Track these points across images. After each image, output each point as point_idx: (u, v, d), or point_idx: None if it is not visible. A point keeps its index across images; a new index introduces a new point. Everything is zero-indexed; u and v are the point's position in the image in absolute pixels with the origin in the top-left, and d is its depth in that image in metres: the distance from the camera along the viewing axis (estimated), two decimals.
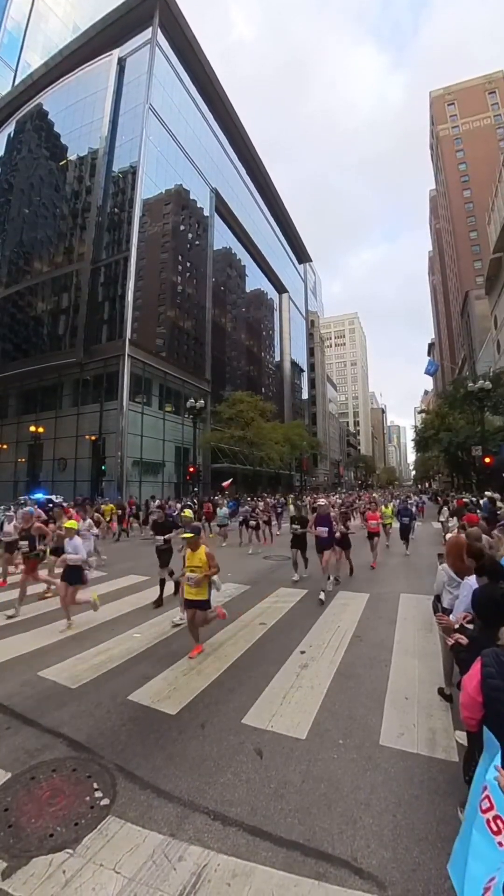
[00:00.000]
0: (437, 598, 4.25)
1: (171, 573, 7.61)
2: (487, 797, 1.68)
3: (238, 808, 2.75)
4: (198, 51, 40.13)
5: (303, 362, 79.23)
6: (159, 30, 35.77)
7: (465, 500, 17.59)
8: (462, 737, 3.38)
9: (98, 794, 2.85)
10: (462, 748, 3.27)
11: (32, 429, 31.90)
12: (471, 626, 2.92)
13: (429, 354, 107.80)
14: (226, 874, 2.27)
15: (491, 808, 1.65)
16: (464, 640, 2.78)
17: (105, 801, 2.79)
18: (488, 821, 1.65)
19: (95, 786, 2.93)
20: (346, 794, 2.87)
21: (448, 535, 6.57)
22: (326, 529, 8.38)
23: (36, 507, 10.64)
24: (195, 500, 23.39)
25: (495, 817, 1.63)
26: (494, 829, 1.62)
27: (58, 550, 7.55)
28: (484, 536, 5.38)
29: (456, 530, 6.83)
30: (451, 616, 3.39)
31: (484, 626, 2.72)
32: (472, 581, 3.31)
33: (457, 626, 3.00)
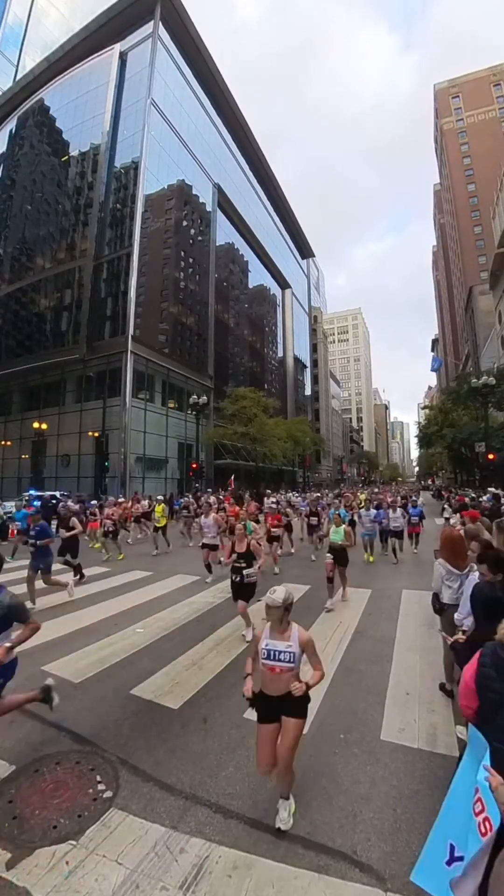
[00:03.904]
0: (436, 596, 4.25)
1: None
2: (479, 799, 1.66)
3: (239, 801, 2.78)
4: (200, 45, 39.82)
5: (306, 358, 78.97)
6: (161, 23, 35.49)
7: (465, 497, 17.58)
8: (464, 732, 3.39)
9: (101, 787, 2.88)
10: (463, 743, 3.28)
11: (36, 425, 32.00)
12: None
13: (432, 350, 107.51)
14: (227, 866, 2.30)
15: (483, 810, 1.64)
16: (462, 639, 2.80)
17: (108, 794, 2.83)
18: (479, 823, 1.63)
19: (98, 778, 2.97)
20: (346, 788, 2.90)
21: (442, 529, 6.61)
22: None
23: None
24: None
25: (485, 819, 1.61)
26: (483, 831, 1.60)
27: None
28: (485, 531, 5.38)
29: (458, 526, 6.83)
30: (456, 614, 3.41)
31: (481, 623, 2.73)
32: (475, 577, 3.31)
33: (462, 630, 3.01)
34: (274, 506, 13.25)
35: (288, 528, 12.17)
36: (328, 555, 7.07)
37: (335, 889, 2.18)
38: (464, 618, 3.19)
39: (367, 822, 2.61)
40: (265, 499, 18.38)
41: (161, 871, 2.27)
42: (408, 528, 11.95)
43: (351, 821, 2.62)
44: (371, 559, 10.79)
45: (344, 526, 7.28)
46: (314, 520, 11.92)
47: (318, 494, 26.03)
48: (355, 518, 12.95)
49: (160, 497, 13.71)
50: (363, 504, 16.20)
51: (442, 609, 4.10)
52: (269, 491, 23.46)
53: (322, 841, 2.47)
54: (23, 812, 2.67)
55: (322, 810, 2.70)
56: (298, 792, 2.85)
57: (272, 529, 10.16)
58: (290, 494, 30.85)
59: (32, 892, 2.17)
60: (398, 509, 11.40)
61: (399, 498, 24.95)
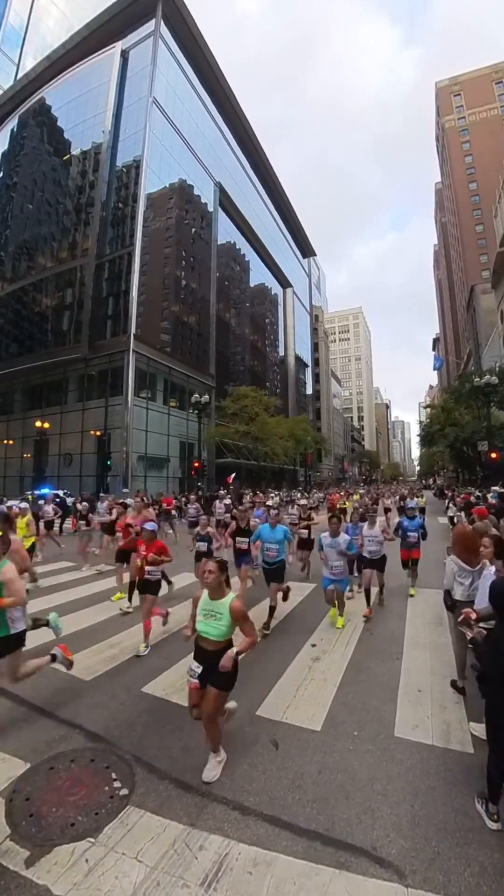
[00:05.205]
0: (448, 592, 4.24)
1: None
2: None
3: (256, 798, 2.78)
4: (201, 42, 39.73)
5: (307, 357, 78.88)
6: (162, 21, 35.43)
7: (471, 495, 17.55)
8: (477, 729, 3.39)
9: (117, 785, 2.87)
10: (478, 741, 3.28)
11: (38, 424, 32.02)
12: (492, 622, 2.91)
13: (433, 350, 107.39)
14: (247, 863, 2.30)
15: None
16: (482, 632, 2.79)
17: (124, 791, 2.82)
18: None
19: (114, 776, 2.96)
20: (362, 784, 2.89)
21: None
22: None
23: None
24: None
25: None
26: None
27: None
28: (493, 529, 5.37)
29: (465, 522, 6.83)
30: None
31: (500, 618, 2.72)
32: (490, 572, 3.30)
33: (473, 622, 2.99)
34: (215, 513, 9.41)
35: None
36: (192, 668, 3.09)
37: (356, 885, 2.17)
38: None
39: (385, 819, 2.60)
40: (217, 501, 14.29)
41: (181, 868, 2.26)
42: (401, 552, 7.85)
43: (369, 817, 2.61)
44: (341, 623, 6.05)
45: (235, 600, 3.09)
46: (243, 543, 6.92)
47: (260, 496, 18.62)
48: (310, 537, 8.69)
49: (22, 505, 9.28)
50: (350, 512, 10.43)
51: (454, 605, 4.09)
52: (223, 491, 19.75)
53: (341, 837, 2.47)
54: (39, 810, 2.67)
55: (340, 806, 2.70)
56: (314, 786, 2.86)
57: (147, 570, 5.39)
58: (274, 494, 26.73)
59: (53, 889, 2.16)
60: (376, 524, 6.90)
61: (397, 499, 20.07)
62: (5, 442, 37.84)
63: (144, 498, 16.01)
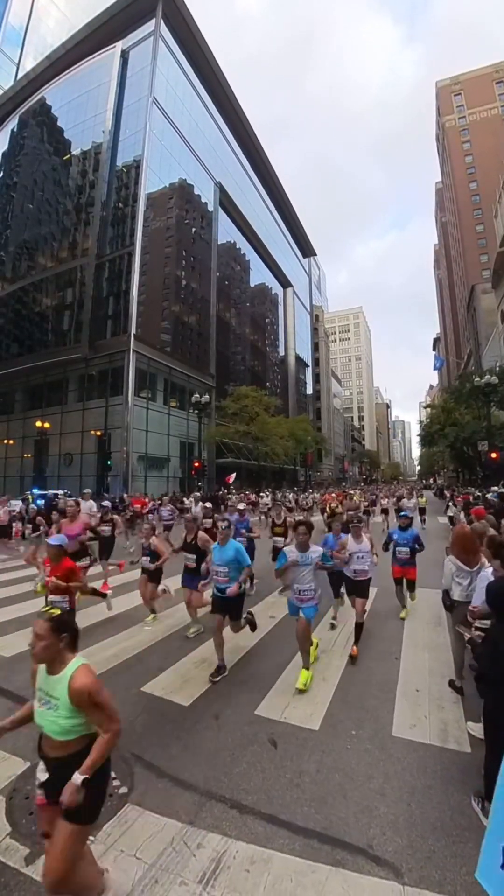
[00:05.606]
0: (447, 592, 4.26)
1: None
2: None
3: (255, 796, 2.80)
4: (201, 42, 39.74)
5: (307, 357, 78.86)
6: (162, 21, 35.45)
7: (470, 495, 17.57)
8: (474, 728, 3.40)
9: (116, 783, 2.89)
10: (475, 740, 3.30)
11: (38, 424, 32.07)
12: (487, 623, 2.93)
13: (434, 349, 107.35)
14: (244, 861, 2.32)
15: None
16: (481, 635, 2.81)
17: (123, 790, 2.84)
18: None
19: (113, 774, 2.96)
20: (360, 783, 2.91)
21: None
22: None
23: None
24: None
25: None
26: None
27: None
28: (491, 530, 5.39)
29: (464, 523, 6.85)
30: (471, 606, 3.40)
31: (498, 618, 2.74)
32: (487, 573, 3.32)
33: (473, 622, 3.01)
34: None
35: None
36: (38, 775, 2.04)
37: (353, 883, 2.19)
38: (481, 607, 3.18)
39: (382, 817, 2.62)
40: (194, 502, 12.49)
41: (180, 865, 2.28)
42: (394, 568, 6.61)
43: (366, 815, 2.63)
44: (303, 680, 4.25)
45: (78, 674, 2.02)
46: (189, 561, 5.74)
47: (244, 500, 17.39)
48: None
49: None
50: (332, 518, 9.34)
51: (452, 606, 4.11)
52: (199, 493, 17.26)
53: (338, 835, 2.49)
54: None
55: (337, 805, 2.71)
56: (312, 785, 2.88)
57: (52, 600, 4.51)
58: (265, 495, 25.71)
59: None
60: (363, 536, 5.42)
61: (395, 499, 17.76)
62: (5, 442, 37.89)
63: (132, 497, 14.89)
